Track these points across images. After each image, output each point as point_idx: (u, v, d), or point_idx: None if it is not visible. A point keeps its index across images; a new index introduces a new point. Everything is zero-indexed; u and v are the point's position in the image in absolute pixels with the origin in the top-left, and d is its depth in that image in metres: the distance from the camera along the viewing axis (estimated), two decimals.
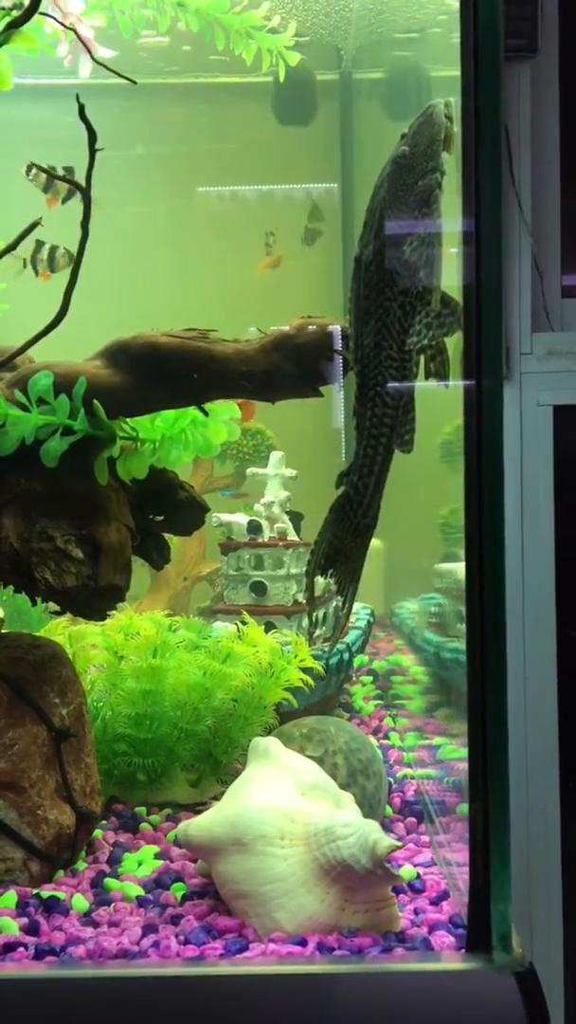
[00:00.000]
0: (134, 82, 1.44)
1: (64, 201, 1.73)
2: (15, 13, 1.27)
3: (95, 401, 1.42)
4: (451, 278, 1.31)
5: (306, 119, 2.78)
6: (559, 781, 2.30)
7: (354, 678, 2.36)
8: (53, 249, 2.15)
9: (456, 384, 1.30)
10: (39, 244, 2.14)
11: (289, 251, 2.81)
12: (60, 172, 1.64)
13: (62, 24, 1.40)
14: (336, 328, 1.49)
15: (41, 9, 1.29)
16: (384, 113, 2.44)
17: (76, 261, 1.41)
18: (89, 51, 1.42)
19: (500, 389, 1.25)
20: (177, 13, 1.63)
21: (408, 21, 2.08)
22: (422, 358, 1.36)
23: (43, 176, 1.81)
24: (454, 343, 1.35)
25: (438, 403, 1.46)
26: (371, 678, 2.39)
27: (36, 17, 1.27)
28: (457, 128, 1.29)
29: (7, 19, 1.27)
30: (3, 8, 1.26)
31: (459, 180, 1.26)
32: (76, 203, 1.40)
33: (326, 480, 1.52)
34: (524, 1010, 1.18)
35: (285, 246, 2.83)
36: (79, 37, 1.39)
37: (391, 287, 1.35)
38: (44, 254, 2.14)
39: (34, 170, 1.80)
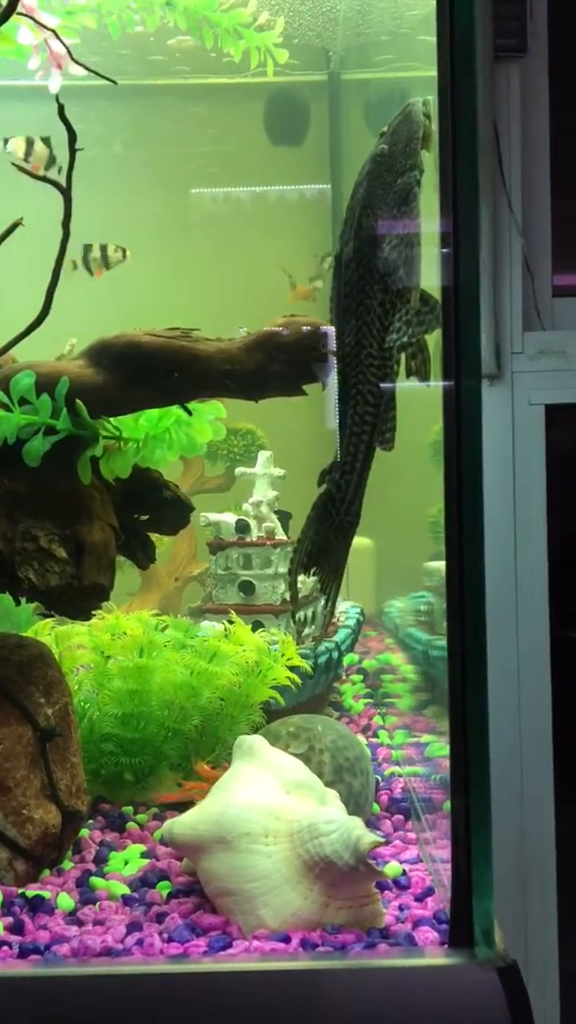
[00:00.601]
0: (114, 82, 1.45)
1: (46, 168, 1.72)
2: None
3: (78, 400, 1.43)
4: (431, 276, 1.32)
5: (298, 139, 2.80)
6: (553, 778, 2.31)
7: (344, 677, 2.37)
8: (103, 248, 2.17)
9: (436, 384, 1.31)
10: (87, 247, 2.16)
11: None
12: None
13: (40, 25, 1.41)
14: (325, 328, 1.50)
15: (17, 20, 1.30)
16: (369, 115, 2.45)
17: (58, 261, 1.41)
18: (67, 62, 1.43)
19: (479, 388, 1.25)
20: (165, 13, 1.64)
21: (393, 22, 2.08)
22: (403, 356, 1.37)
23: (21, 146, 1.82)
24: (434, 341, 1.36)
25: (427, 402, 1.46)
26: (361, 676, 2.39)
27: (12, 20, 1.27)
28: (435, 126, 1.29)
29: None
30: None
31: (437, 178, 1.27)
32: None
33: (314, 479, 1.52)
34: (506, 1005, 1.18)
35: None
36: (51, 52, 1.40)
37: (371, 285, 1.36)
38: (96, 252, 2.16)
39: (12, 143, 1.80)
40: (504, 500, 2.32)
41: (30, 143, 1.88)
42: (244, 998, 1.20)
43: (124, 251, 2.23)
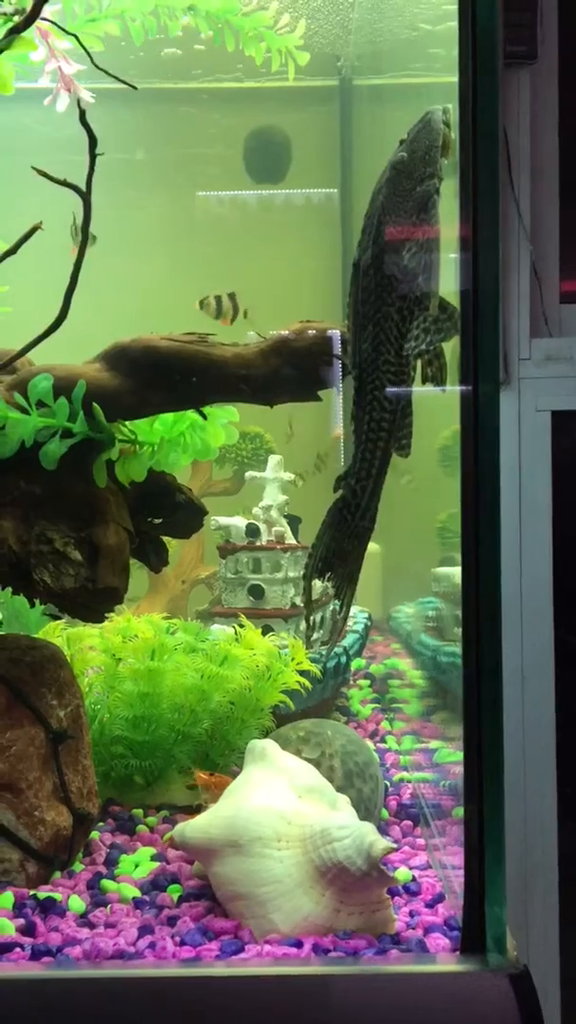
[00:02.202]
0: (134, 87, 1.45)
1: None
2: (16, 19, 1.28)
3: (94, 404, 1.43)
4: (451, 282, 1.32)
5: (278, 176, 2.81)
6: (556, 784, 2.31)
7: (351, 682, 2.37)
8: (218, 299, 2.21)
9: (453, 389, 1.31)
10: (218, 299, 2.20)
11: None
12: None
13: (62, 28, 1.41)
14: (335, 333, 1.50)
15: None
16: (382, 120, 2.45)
17: (76, 264, 1.42)
18: (75, 85, 1.44)
19: (497, 394, 1.26)
20: (188, 17, 1.64)
21: (406, 29, 2.09)
22: (419, 363, 1.37)
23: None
24: (451, 348, 1.36)
25: (436, 408, 1.47)
26: (368, 682, 2.39)
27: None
28: (455, 134, 1.30)
29: (8, 25, 1.29)
30: (4, 14, 1.28)
31: (457, 185, 1.28)
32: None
33: (324, 484, 1.52)
34: (518, 1012, 1.19)
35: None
36: (61, 74, 1.40)
37: (389, 292, 1.36)
38: (225, 305, 2.21)
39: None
40: (510, 505, 2.33)
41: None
42: (257, 1002, 1.20)
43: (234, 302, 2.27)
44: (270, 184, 2.82)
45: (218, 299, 2.25)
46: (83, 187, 1.38)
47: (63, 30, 1.45)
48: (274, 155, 2.79)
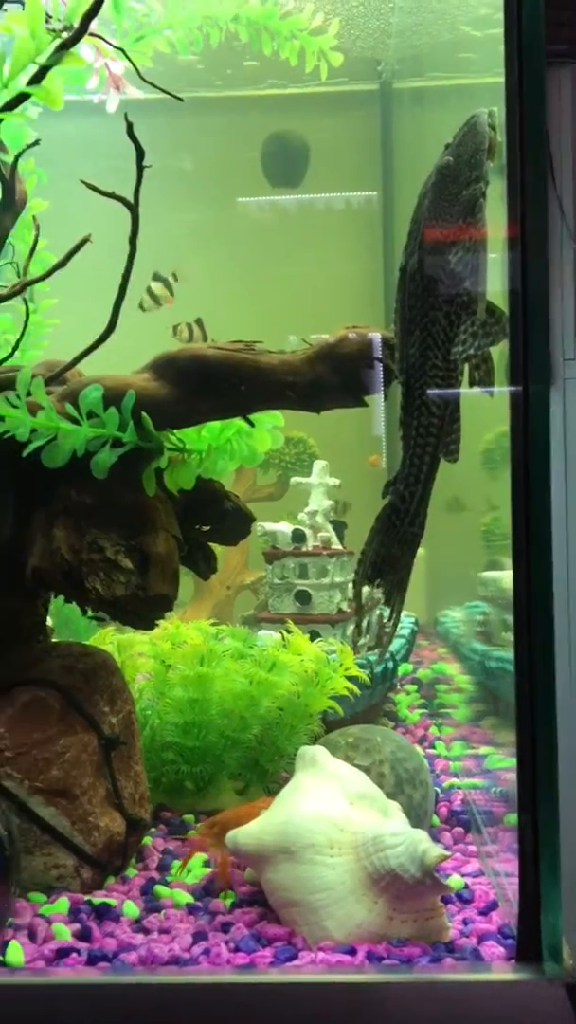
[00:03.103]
0: (180, 99, 1.46)
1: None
2: (65, 35, 1.30)
3: (143, 413, 1.44)
4: (497, 285, 1.31)
5: (296, 180, 2.81)
6: None
7: (399, 687, 2.36)
8: (189, 326, 2.28)
9: (501, 391, 1.30)
10: (189, 326, 2.29)
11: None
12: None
13: (107, 43, 1.43)
14: (381, 337, 1.50)
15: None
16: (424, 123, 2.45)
17: (124, 276, 1.43)
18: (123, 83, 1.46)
19: (547, 394, 1.25)
20: (229, 26, 1.66)
21: (447, 32, 2.09)
22: (466, 367, 1.37)
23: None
24: (498, 351, 1.35)
25: (480, 410, 1.46)
26: (415, 687, 2.38)
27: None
28: (501, 137, 1.29)
29: (57, 41, 1.30)
30: (53, 31, 1.29)
31: (503, 188, 1.27)
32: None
33: (370, 488, 1.52)
34: (575, 1022, 1.17)
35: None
36: (110, 73, 1.42)
37: (436, 297, 1.35)
38: (195, 332, 2.28)
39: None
40: (556, 505, 2.30)
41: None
42: (312, 1010, 1.21)
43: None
44: (288, 188, 2.83)
45: (189, 326, 2.32)
46: (131, 199, 1.39)
47: (114, 46, 1.47)
48: (291, 159, 2.80)
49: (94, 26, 1.33)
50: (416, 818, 1.55)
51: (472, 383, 1.38)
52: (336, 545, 2.10)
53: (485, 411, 1.41)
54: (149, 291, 2.33)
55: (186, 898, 1.44)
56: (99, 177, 1.40)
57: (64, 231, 1.54)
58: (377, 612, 2.09)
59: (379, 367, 1.49)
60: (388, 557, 1.45)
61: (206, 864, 1.55)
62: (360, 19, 2.32)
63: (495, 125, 1.31)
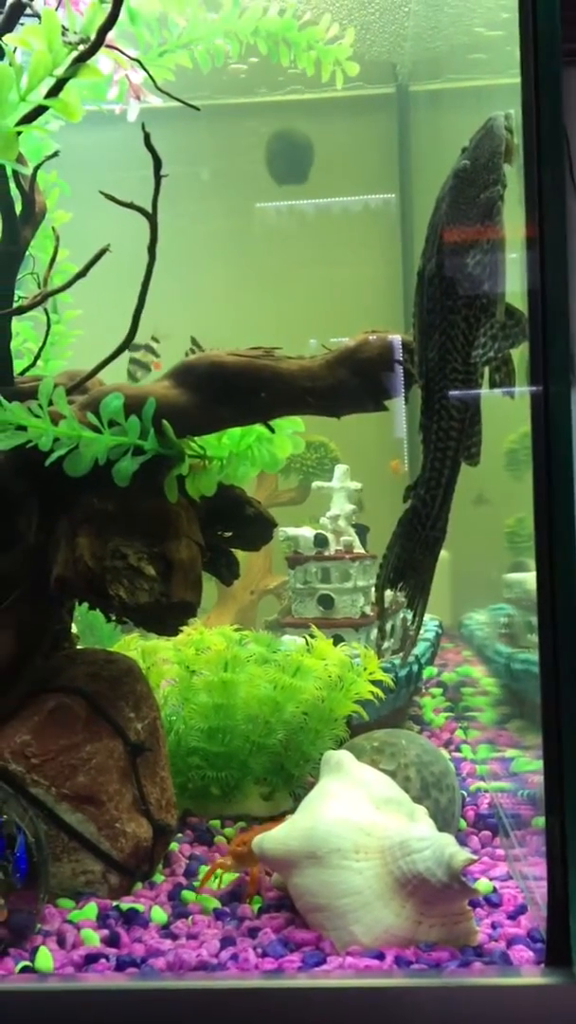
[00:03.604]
0: (197, 108, 1.47)
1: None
2: (81, 48, 1.31)
3: (164, 421, 1.45)
4: (516, 287, 1.31)
5: (301, 178, 2.82)
6: None
7: (423, 690, 2.36)
8: (147, 346, 2.30)
9: (522, 392, 1.30)
10: (147, 346, 2.31)
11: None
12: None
13: (126, 56, 1.44)
14: (401, 341, 1.50)
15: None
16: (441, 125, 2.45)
17: (144, 284, 1.44)
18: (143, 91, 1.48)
19: (568, 394, 1.25)
20: (249, 38, 1.68)
21: (462, 34, 2.09)
22: (486, 369, 1.36)
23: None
24: (518, 353, 1.35)
25: (501, 412, 1.46)
26: (440, 690, 2.38)
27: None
28: (518, 139, 1.29)
29: (74, 53, 1.32)
30: (70, 43, 1.31)
31: (521, 191, 1.27)
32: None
33: (392, 492, 1.52)
34: None
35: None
36: (130, 83, 1.43)
37: (455, 300, 1.35)
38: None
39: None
40: None
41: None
42: (342, 1015, 1.21)
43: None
44: (293, 185, 2.83)
45: (147, 346, 2.33)
46: (149, 208, 1.40)
47: (131, 58, 1.48)
48: (296, 157, 2.80)
49: (115, 38, 1.34)
50: (443, 822, 1.55)
51: (493, 385, 1.37)
52: (358, 549, 2.09)
53: (507, 412, 1.41)
54: (135, 362, 2.34)
55: (213, 903, 1.44)
56: (128, 187, 1.41)
57: (89, 242, 1.55)
58: (401, 616, 2.09)
59: (399, 371, 1.49)
60: (410, 561, 1.45)
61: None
62: (376, 24, 2.32)
63: (512, 128, 1.31)
